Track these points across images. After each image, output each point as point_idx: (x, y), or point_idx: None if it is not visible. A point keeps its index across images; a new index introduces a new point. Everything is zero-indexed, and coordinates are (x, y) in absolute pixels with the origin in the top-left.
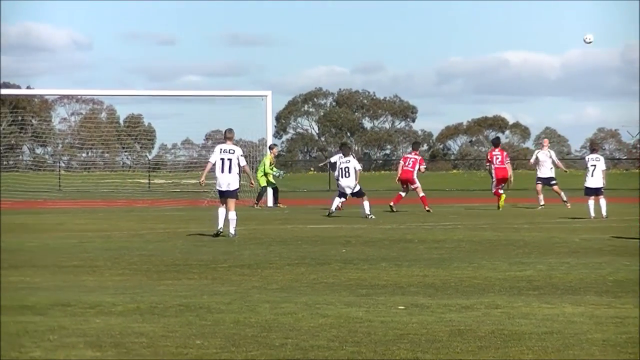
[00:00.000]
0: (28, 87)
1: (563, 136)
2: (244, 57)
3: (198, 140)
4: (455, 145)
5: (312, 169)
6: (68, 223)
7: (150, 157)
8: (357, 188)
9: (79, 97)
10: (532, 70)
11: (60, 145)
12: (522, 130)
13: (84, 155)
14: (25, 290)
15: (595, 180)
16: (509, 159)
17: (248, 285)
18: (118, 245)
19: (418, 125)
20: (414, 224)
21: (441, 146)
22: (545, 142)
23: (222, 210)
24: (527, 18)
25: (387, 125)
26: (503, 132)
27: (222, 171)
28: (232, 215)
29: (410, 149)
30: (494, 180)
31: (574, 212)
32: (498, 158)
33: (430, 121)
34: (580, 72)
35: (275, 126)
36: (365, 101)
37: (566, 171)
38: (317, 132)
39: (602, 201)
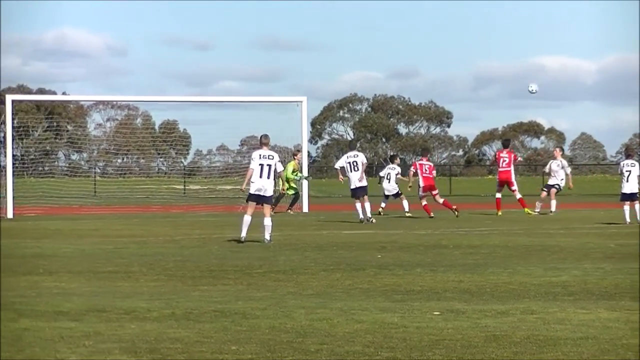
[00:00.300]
0: (63, 93)
1: (599, 142)
2: (280, 63)
3: (233, 146)
4: (490, 150)
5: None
6: (103, 229)
7: (185, 163)
8: (364, 183)
9: (115, 103)
10: (569, 76)
11: (96, 151)
12: (557, 136)
13: (119, 161)
14: (61, 296)
15: (630, 185)
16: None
17: (283, 291)
18: (153, 251)
19: (453, 131)
20: (449, 230)
21: (476, 151)
22: (557, 152)
23: (247, 218)
24: (564, 23)
25: (422, 131)
26: (538, 138)
27: (261, 176)
28: (268, 221)
29: (419, 155)
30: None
31: (610, 218)
32: (505, 160)
33: (465, 126)
34: (617, 78)
35: (310, 132)
36: (401, 107)
37: (570, 187)
38: (353, 137)
39: (637, 207)
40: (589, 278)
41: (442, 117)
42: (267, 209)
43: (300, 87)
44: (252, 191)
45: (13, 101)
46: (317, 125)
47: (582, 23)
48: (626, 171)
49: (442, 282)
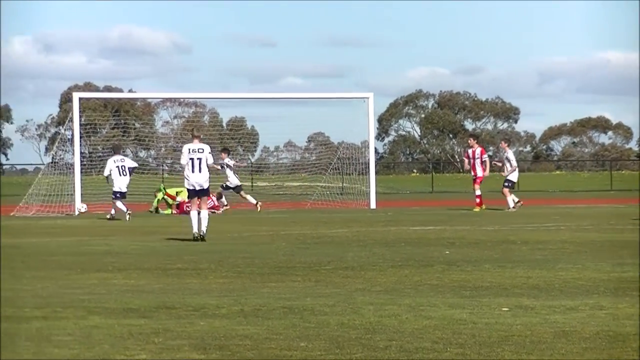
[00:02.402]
0: (130, 91)
1: None
2: (346, 59)
3: (300, 143)
4: (558, 146)
5: (414, 170)
6: (172, 226)
7: (253, 160)
8: None
9: (182, 100)
10: (636, 70)
11: (163, 149)
12: (625, 131)
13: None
14: (130, 293)
15: None
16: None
17: (352, 287)
18: (222, 248)
19: (520, 126)
20: (517, 225)
21: (544, 147)
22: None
23: (194, 213)
24: (629, 17)
25: (489, 127)
26: (606, 133)
27: (193, 171)
28: (204, 214)
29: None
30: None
31: None
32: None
33: (532, 122)
34: None
35: (377, 128)
36: (467, 102)
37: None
38: (419, 134)
39: None
40: None
41: (509, 112)
42: (203, 202)
43: (366, 83)
44: (188, 187)
45: (80, 99)
46: (384, 122)
47: None
48: None
49: (510, 278)
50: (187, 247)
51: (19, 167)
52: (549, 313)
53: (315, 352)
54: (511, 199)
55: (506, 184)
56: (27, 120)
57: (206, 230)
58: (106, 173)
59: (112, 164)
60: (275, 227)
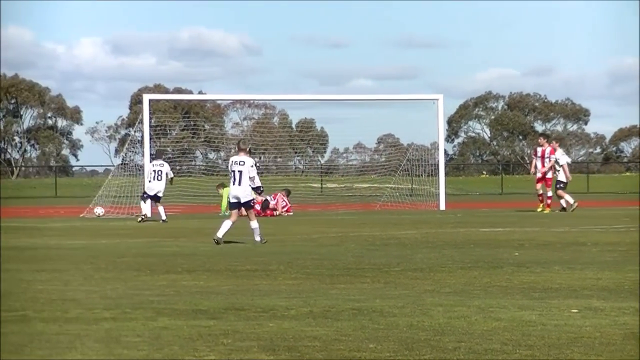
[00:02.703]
0: (200, 92)
1: None
2: (415, 60)
3: (370, 144)
4: (628, 147)
5: (484, 172)
6: (241, 227)
7: (322, 162)
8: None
9: (252, 101)
10: None
11: (233, 150)
12: None
13: (256, 160)
14: (199, 295)
15: None
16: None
17: (421, 288)
18: (291, 249)
19: (590, 128)
20: (587, 227)
21: (614, 149)
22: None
23: (227, 222)
24: None
25: (559, 128)
26: None
27: (234, 183)
28: (254, 224)
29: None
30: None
31: None
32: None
33: (603, 123)
34: None
35: (446, 130)
36: (537, 104)
37: None
38: (489, 135)
39: None
40: None
41: (579, 114)
42: (250, 213)
43: (435, 85)
44: (230, 199)
45: (150, 101)
46: (453, 124)
47: None
48: None
49: (580, 279)
50: (255, 248)
51: (88, 168)
52: (619, 315)
53: (384, 354)
54: (569, 197)
55: (558, 185)
56: (96, 122)
57: (260, 238)
58: (148, 177)
59: (150, 167)
60: (344, 229)
